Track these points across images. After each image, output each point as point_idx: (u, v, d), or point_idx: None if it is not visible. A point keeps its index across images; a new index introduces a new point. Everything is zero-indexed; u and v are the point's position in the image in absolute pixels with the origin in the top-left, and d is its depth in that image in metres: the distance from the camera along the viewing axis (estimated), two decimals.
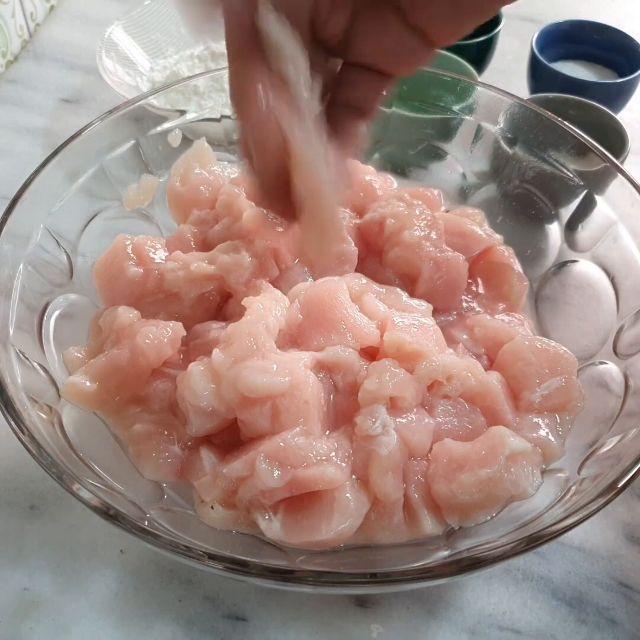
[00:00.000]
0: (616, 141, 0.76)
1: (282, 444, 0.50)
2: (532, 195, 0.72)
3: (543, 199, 0.72)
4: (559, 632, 0.55)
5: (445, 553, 0.49)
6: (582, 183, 0.68)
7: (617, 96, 0.88)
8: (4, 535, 0.59)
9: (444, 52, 0.87)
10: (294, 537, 0.50)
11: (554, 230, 0.71)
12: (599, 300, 0.65)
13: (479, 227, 0.68)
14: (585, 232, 0.69)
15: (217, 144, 0.74)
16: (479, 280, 0.68)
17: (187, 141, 0.72)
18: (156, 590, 0.56)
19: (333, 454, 0.51)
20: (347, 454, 0.52)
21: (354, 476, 0.52)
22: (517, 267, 0.68)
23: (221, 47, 0.95)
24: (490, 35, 0.93)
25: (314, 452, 0.50)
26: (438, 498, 0.52)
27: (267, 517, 0.50)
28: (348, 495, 0.50)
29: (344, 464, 0.51)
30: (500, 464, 0.50)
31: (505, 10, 0.94)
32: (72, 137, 0.64)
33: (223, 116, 0.74)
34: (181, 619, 0.55)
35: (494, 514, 0.52)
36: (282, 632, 0.55)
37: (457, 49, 0.87)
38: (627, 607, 0.56)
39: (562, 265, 0.69)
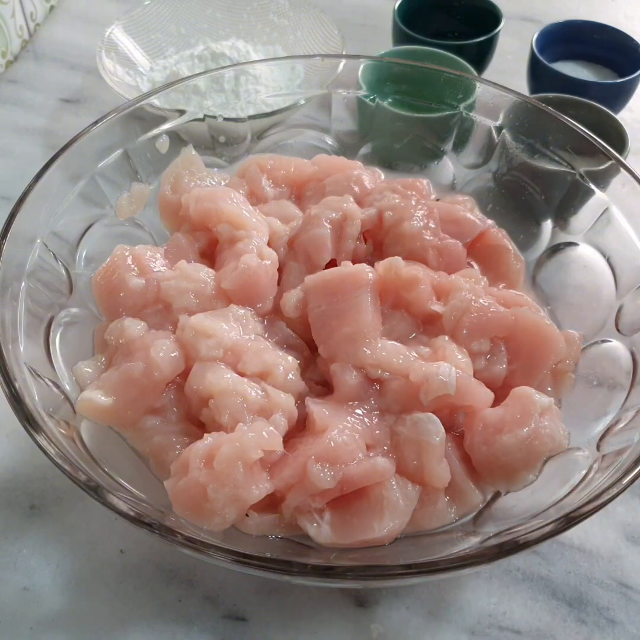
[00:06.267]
0: (616, 141, 0.76)
1: (332, 443, 0.50)
2: (522, 181, 0.73)
3: (532, 185, 0.73)
4: (559, 632, 0.55)
5: (476, 539, 0.50)
6: (572, 168, 0.69)
7: (617, 96, 0.88)
8: (4, 535, 0.59)
9: (443, 52, 0.87)
10: (345, 537, 0.50)
11: (545, 215, 0.72)
12: (596, 281, 0.66)
13: (470, 213, 0.69)
14: (577, 215, 0.70)
15: (205, 147, 0.74)
16: (475, 265, 0.68)
17: (176, 146, 0.72)
18: (156, 590, 0.56)
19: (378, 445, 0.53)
20: (386, 448, 0.53)
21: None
22: (512, 247, 0.69)
23: (222, 47, 0.95)
24: (490, 35, 0.93)
25: (363, 446, 0.52)
26: (481, 466, 0.54)
27: (314, 523, 0.51)
28: (395, 492, 0.51)
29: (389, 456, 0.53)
30: (536, 421, 0.53)
31: (505, 10, 0.95)
32: (65, 147, 0.64)
33: (206, 116, 0.74)
34: (181, 619, 0.55)
35: (537, 474, 0.54)
36: (282, 632, 0.55)
37: (457, 49, 0.87)
38: (627, 607, 0.57)
39: (555, 248, 0.71)
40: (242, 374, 0.55)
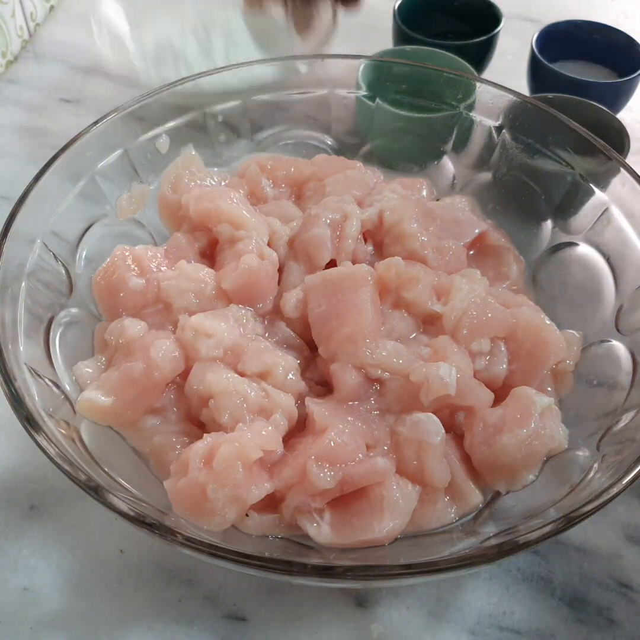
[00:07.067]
0: (616, 141, 0.76)
1: (331, 443, 0.50)
2: (522, 181, 0.73)
3: (532, 185, 0.73)
4: (559, 632, 0.55)
5: (476, 539, 0.50)
6: (572, 168, 0.69)
7: (617, 96, 0.88)
8: (4, 535, 0.59)
9: (443, 52, 0.87)
10: (345, 537, 0.50)
11: (545, 215, 0.72)
12: (596, 281, 0.66)
13: (470, 213, 0.70)
14: (577, 215, 0.69)
15: (205, 146, 0.74)
16: (475, 265, 0.68)
17: (176, 146, 0.71)
18: (156, 590, 0.56)
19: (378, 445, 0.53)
20: (386, 448, 0.53)
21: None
22: (512, 247, 0.70)
23: (213, 17, 0.92)
24: (490, 35, 0.92)
25: (363, 446, 0.52)
26: (481, 466, 0.54)
27: (314, 523, 0.51)
28: (395, 492, 0.51)
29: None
30: (536, 421, 0.53)
31: (505, 10, 0.95)
32: (65, 147, 0.64)
33: (206, 114, 0.74)
34: (181, 619, 0.55)
35: (537, 474, 0.54)
36: (282, 632, 0.55)
37: (457, 49, 0.87)
38: (627, 607, 0.56)
39: (555, 248, 0.70)
40: (242, 374, 0.55)
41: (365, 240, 0.66)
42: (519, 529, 0.48)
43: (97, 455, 0.52)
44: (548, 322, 0.60)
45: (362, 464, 0.51)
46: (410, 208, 0.64)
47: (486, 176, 0.76)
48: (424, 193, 0.72)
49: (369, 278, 0.58)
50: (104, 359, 0.60)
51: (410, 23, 0.93)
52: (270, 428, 0.52)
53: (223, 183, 0.71)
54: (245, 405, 0.53)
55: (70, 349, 0.60)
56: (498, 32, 0.94)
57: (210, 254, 0.66)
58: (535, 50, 0.90)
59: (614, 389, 0.58)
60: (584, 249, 0.68)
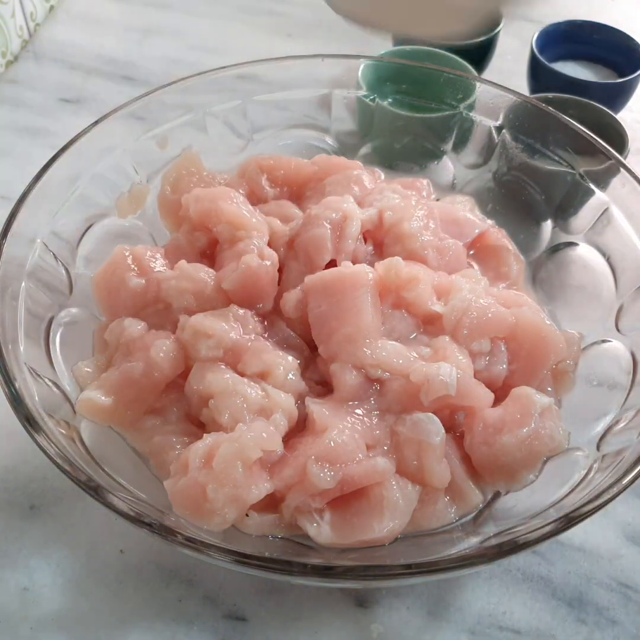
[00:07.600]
0: (616, 141, 0.76)
1: (331, 443, 0.50)
2: (522, 181, 0.73)
3: (532, 185, 0.73)
4: (559, 632, 0.55)
5: (476, 539, 0.50)
6: (572, 168, 0.69)
7: (617, 96, 0.88)
8: (4, 535, 0.59)
9: (443, 52, 0.87)
10: (345, 537, 0.50)
11: (545, 215, 0.72)
12: (596, 281, 0.66)
13: (470, 213, 0.70)
14: (577, 215, 0.70)
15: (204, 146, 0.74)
16: (475, 265, 0.69)
17: (176, 146, 0.72)
18: (156, 590, 0.56)
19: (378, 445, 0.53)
20: (386, 448, 0.53)
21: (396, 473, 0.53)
22: (512, 247, 0.70)
23: None
24: (490, 35, 0.92)
25: (363, 446, 0.52)
26: (481, 466, 0.54)
27: (314, 523, 0.51)
28: (395, 492, 0.51)
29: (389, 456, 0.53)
30: (536, 421, 0.53)
31: (506, 10, 0.95)
32: (65, 147, 0.64)
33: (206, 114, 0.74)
34: (181, 619, 0.55)
35: (537, 474, 0.54)
36: (282, 632, 0.55)
37: (457, 49, 0.87)
38: (627, 607, 0.56)
39: (555, 248, 0.71)
40: (242, 374, 0.55)
41: (365, 240, 0.66)
42: (519, 529, 0.48)
43: (97, 455, 0.52)
44: (548, 322, 0.60)
45: (362, 464, 0.51)
46: (410, 208, 0.64)
47: (486, 176, 0.76)
48: (424, 193, 0.72)
49: (369, 278, 0.58)
50: (104, 359, 0.60)
51: None
52: (270, 428, 0.52)
53: (223, 183, 0.71)
54: (245, 405, 0.53)
55: (70, 349, 0.60)
56: (498, 32, 0.94)
57: (210, 254, 0.66)
58: (535, 50, 0.90)
59: (614, 389, 0.58)
60: (584, 249, 0.68)
